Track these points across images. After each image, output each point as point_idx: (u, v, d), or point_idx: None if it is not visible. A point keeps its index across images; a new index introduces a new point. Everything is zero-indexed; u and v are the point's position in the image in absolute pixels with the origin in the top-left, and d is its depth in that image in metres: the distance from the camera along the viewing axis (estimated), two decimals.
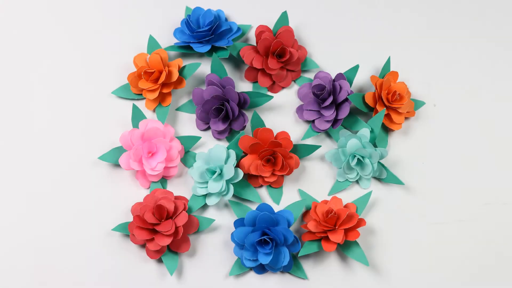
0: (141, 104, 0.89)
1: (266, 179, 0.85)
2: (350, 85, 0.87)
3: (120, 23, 0.92)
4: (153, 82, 0.86)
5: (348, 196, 0.86)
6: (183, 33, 0.89)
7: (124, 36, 0.92)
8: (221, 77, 0.88)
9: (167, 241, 0.79)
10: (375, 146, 0.87)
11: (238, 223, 0.81)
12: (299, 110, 0.89)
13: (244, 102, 0.86)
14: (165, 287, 0.82)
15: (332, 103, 0.86)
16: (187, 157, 0.87)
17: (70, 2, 0.92)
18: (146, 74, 0.86)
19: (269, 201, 0.86)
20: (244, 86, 0.91)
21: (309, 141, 0.89)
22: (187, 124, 0.88)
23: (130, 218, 0.84)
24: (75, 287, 0.82)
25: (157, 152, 0.84)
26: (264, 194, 0.87)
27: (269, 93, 0.90)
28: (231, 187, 0.83)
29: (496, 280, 0.84)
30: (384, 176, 0.86)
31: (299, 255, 0.82)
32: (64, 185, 0.85)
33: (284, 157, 0.84)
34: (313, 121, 0.88)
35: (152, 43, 0.89)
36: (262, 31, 0.88)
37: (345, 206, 0.84)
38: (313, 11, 0.94)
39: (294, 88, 0.91)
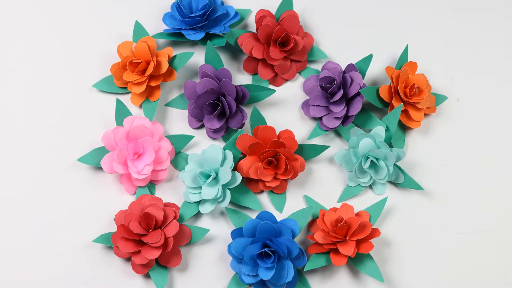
0: (126, 99, 0.89)
1: (267, 184, 0.84)
2: (363, 78, 0.87)
3: (102, 7, 0.92)
4: (140, 74, 0.86)
5: (360, 203, 0.86)
6: (173, 18, 0.89)
7: (106, 21, 0.92)
8: (216, 68, 0.87)
9: (155, 254, 0.79)
10: (390, 146, 0.87)
11: (236, 233, 0.81)
12: (305, 105, 0.89)
13: (243, 96, 0.86)
14: None
15: (342, 97, 0.86)
16: (178, 159, 0.86)
17: None
18: (132, 65, 0.85)
19: (270, 208, 0.86)
20: (242, 78, 0.91)
21: (316, 141, 0.89)
22: (178, 121, 0.88)
23: (113, 228, 0.83)
24: None
25: (144, 153, 0.84)
26: (265, 201, 0.86)
27: (271, 87, 0.91)
28: (228, 193, 0.83)
29: None
30: (401, 180, 0.86)
31: (304, 270, 0.82)
32: (38, 190, 0.85)
33: (288, 158, 0.83)
34: (320, 118, 0.88)
35: (139, 30, 0.89)
36: (263, 16, 0.88)
37: (357, 215, 0.84)
38: None
39: (299, 80, 0.91)
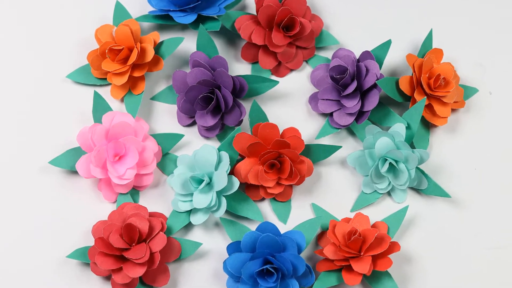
0: (105, 92, 0.88)
1: (269, 190, 0.84)
2: (380, 67, 0.87)
3: None
4: (121, 62, 0.86)
5: (377, 212, 0.86)
6: None
7: (82, 2, 0.92)
8: (210, 56, 0.87)
9: (139, 271, 0.79)
10: (412, 146, 0.87)
11: (233, 248, 0.81)
12: (313, 99, 0.89)
13: (241, 89, 0.86)
14: None
15: (356, 90, 0.86)
16: (165, 161, 0.86)
17: None
18: (112, 53, 0.85)
19: (273, 219, 0.86)
20: (240, 68, 0.91)
21: (326, 141, 0.88)
22: (166, 118, 0.88)
23: (90, 242, 0.83)
24: None
25: (126, 155, 0.83)
26: (266, 210, 0.86)
27: (274, 77, 0.91)
28: (224, 201, 0.82)
29: None
30: (424, 186, 0.85)
31: None
32: (2, 198, 0.85)
33: (293, 161, 0.83)
34: (331, 114, 0.88)
35: (120, 12, 0.89)
36: None
37: (373, 226, 0.84)
38: None
39: (306, 70, 0.91)
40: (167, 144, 0.85)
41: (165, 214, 0.83)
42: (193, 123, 0.87)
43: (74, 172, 0.84)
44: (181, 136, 0.85)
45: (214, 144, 0.86)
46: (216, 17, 0.89)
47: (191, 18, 0.87)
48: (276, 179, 0.83)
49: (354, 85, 0.84)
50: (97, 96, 0.85)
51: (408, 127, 0.85)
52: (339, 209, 0.85)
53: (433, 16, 0.92)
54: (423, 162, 0.84)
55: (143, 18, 0.88)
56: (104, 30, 0.86)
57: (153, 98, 0.88)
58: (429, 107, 0.86)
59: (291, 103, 0.89)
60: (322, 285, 0.80)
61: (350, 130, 0.88)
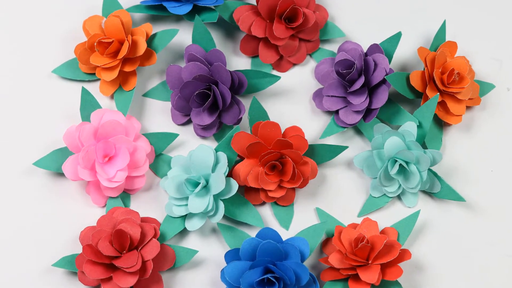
0: (94, 88, 0.88)
1: (270, 194, 0.84)
2: (389, 61, 0.86)
3: None
4: (111, 56, 0.86)
5: (387, 217, 0.86)
6: None
7: None
8: (206, 49, 0.87)
9: (130, 281, 0.79)
10: (424, 147, 0.87)
11: (231, 255, 0.81)
12: (317, 96, 0.88)
13: (239, 85, 0.86)
14: None
15: (364, 86, 0.85)
16: (158, 163, 0.86)
17: None
18: (101, 46, 0.85)
19: (274, 224, 0.86)
20: (239, 62, 0.91)
21: (331, 140, 0.88)
22: (159, 116, 0.88)
23: (78, 249, 0.82)
24: None
25: (117, 156, 0.83)
26: (267, 215, 0.86)
27: (275, 72, 0.91)
28: (221, 205, 0.82)
29: None
30: (437, 189, 0.85)
31: None
32: None
33: (296, 162, 0.82)
34: (336, 112, 0.87)
35: (110, 2, 0.90)
36: None
37: (382, 232, 0.84)
38: None
39: (310, 65, 0.91)
40: (160, 144, 0.85)
41: (158, 219, 0.83)
42: (188, 122, 0.87)
43: (61, 174, 0.84)
44: (176, 135, 0.85)
45: (211, 144, 0.86)
46: (213, 7, 0.88)
47: (186, 8, 0.86)
48: (277, 181, 0.82)
49: (361, 80, 0.84)
50: (85, 93, 0.85)
51: (419, 126, 0.85)
52: (346, 214, 0.85)
53: (446, 7, 0.93)
54: (436, 163, 0.83)
55: (134, 9, 0.88)
56: (93, 21, 0.86)
57: (145, 95, 0.88)
58: (442, 104, 0.86)
59: (293, 100, 0.89)
60: None
61: (357, 129, 0.88)
